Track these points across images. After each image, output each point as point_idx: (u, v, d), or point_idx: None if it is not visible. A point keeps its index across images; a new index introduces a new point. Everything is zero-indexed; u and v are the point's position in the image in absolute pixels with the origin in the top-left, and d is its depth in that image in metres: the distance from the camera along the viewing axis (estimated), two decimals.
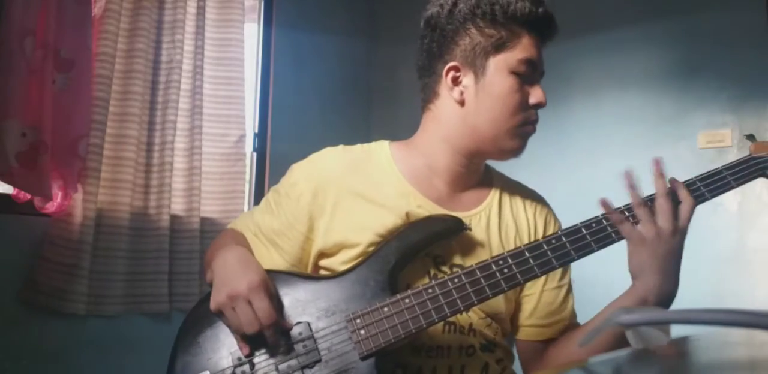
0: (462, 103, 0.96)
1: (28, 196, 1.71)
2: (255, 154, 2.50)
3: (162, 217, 1.98)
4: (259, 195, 2.47)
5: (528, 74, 0.95)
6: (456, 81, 0.96)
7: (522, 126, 0.95)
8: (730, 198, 2.14)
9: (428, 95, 1.01)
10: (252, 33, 2.56)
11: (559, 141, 2.52)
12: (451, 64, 0.96)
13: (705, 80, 2.23)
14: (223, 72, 2.24)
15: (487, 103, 0.94)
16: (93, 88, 1.82)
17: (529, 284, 0.99)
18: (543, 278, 1.00)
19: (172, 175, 2.02)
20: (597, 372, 0.49)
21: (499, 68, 0.94)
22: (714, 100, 2.20)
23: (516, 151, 0.97)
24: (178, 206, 2.07)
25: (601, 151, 2.41)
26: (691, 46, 2.27)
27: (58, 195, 1.75)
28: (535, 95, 0.95)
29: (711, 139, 2.18)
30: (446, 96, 0.98)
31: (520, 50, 0.94)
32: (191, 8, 2.14)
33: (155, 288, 1.95)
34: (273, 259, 0.98)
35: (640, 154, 2.35)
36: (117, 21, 1.90)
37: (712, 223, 2.14)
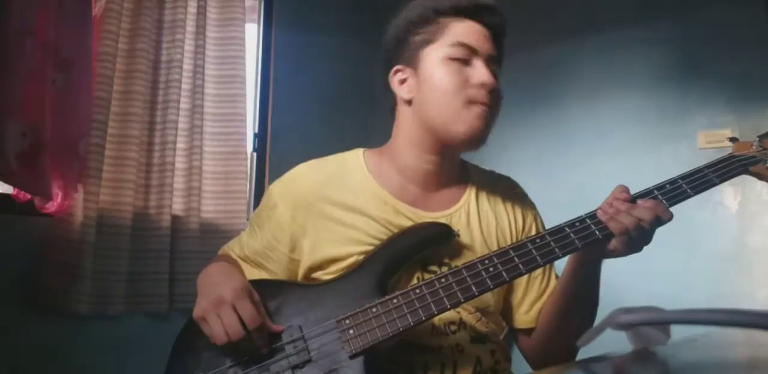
0: (411, 101, 0.99)
1: (28, 196, 1.71)
2: (255, 154, 2.50)
3: (163, 217, 1.98)
4: (259, 195, 2.46)
5: (465, 57, 0.95)
6: (403, 82, 1.00)
7: (466, 106, 0.93)
8: (730, 198, 2.14)
9: (391, 105, 1.04)
10: (252, 33, 2.56)
11: (559, 141, 2.52)
12: (396, 67, 1.01)
13: (705, 80, 2.23)
14: (224, 70, 2.23)
15: (428, 92, 0.96)
16: (94, 88, 1.82)
17: None
18: None
19: (173, 175, 2.02)
20: (597, 372, 0.49)
21: (433, 56, 0.96)
22: (714, 100, 2.20)
23: (471, 135, 0.94)
24: (178, 206, 2.06)
25: (601, 151, 2.41)
26: (691, 46, 2.27)
27: (58, 195, 1.75)
28: (476, 74, 0.94)
29: (711, 139, 2.18)
30: (400, 99, 1.01)
31: (452, 36, 0.96)
32: (191, 8, 2.14)
33: (155, 288, 1.95)
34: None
35: (640, 154, 2.36)
36: (118, 21, 1.90)
37: (712, 223, 2.14)
